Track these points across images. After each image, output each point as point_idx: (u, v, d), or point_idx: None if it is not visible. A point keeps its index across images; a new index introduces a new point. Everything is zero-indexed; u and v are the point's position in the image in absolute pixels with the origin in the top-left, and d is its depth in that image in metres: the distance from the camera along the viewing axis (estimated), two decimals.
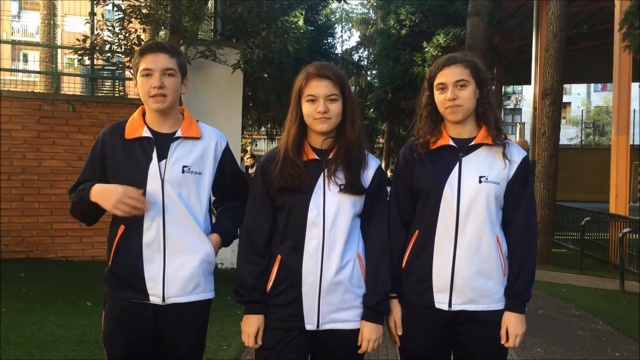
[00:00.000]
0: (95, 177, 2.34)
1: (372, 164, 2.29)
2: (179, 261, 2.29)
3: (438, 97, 2.31)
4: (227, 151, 2.45)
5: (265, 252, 2.26)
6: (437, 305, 2.26)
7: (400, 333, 2.32)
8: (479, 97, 2.31)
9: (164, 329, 2.31)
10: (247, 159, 17.22)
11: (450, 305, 2.25)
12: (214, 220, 2.50)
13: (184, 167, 2.31)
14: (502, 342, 2.26)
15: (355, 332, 2.23)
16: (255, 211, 2.28)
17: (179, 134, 2.34)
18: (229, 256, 7.79)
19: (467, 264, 2.23)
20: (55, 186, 7.98)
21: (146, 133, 2.32)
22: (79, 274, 7.21)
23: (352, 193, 2.21)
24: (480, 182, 2.24)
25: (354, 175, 2.21)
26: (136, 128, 2.34)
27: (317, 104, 2.18)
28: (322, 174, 2.22)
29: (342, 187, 2.20)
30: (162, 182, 2.28)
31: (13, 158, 7.86)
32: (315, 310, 2.19)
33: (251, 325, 2.24)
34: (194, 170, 2.33)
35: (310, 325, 2.20)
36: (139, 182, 2.27)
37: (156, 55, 2.28)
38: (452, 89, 2.25)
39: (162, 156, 2.30)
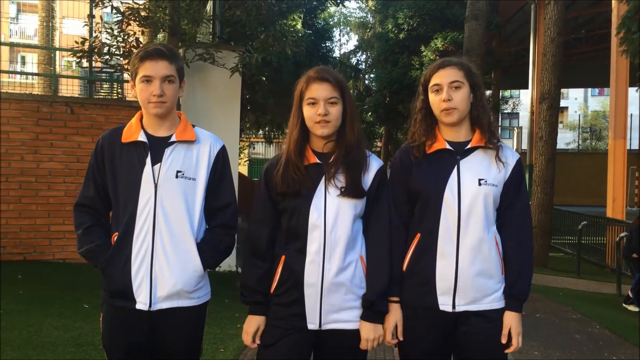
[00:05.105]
0: (97, 187, 2.36)
1: (374, 165, 2.31)
2: (166, 268, 2.27)
3: (433, 98, 2.33)
4: (220, 154, 2.41)
5: (266, 255, 2.30)
6: (442, 307, 2.28)
7: (394, 338, 2.32)
8: (472, 100, 2.34)
9: (159, 331, 2.31)
10: None
11: (454, 306, 2.27)
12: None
13: (177, 172, 2.30)
14: (504, 341, 2.28)
15: (357, 332, 2.26)
16: (258, 215, 2.33)
17: (173, 138, 2.33)
18: (227, 259, 7.77)
19: (469, 265, 2.25)
20: (53, 188, 7.98)
21: (142, 137, 2.32)
22: (76, 276, 7.19)
23: (351, 196, 2.23)
24: (479, 184, 2.28)
25: (353, 178, 2.24)
26: (133, 132, 2.34)
27: (318, 106, 2.21)
28: (323, 178, 2.25)
29: (342, 189, 2.22)
30: (155, 186, 2.28)
31: (11, 160, 7.84)
32: (317, 311, 2.23)
33: (251, 325, 2.30)
34: (187, 175, 2.32)
35: (312, 325, 2.24)
36: (134, 186, 2.28)
37: (157, 63, 2.26)
38: (447, 89, 2.29)
39: (157, 160, 2.30)
